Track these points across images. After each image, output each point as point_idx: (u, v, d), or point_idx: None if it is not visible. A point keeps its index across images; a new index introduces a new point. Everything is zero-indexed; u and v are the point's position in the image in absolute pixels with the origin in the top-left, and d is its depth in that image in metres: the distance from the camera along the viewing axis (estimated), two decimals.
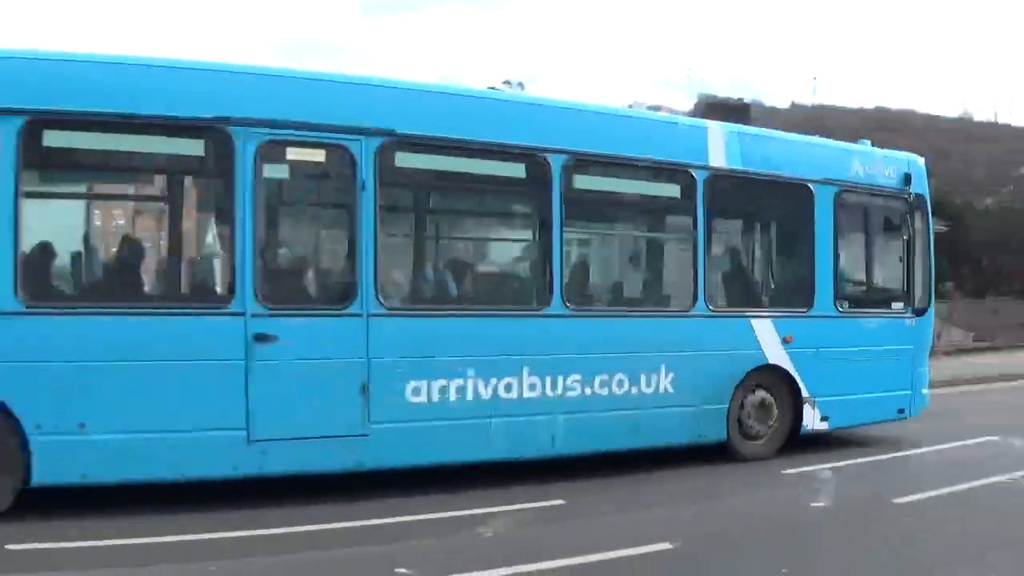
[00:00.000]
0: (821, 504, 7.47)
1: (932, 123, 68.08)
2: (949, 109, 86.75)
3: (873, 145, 10.00)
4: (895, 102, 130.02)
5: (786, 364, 8.90)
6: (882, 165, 9.79)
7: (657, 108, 24.67)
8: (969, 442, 9.96)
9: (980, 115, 46.09)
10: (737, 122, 8.41)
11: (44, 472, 6.29)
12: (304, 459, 6.89)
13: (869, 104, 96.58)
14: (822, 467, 8.69)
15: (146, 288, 6.73)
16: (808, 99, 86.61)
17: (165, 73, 6.41)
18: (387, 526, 6.57)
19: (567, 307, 7.66)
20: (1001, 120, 45.48)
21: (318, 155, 6.79)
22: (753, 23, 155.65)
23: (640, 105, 27.04)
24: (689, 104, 32.34)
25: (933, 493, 7.71)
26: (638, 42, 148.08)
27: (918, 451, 9.70)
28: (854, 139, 10.10)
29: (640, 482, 7.99)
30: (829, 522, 6.97)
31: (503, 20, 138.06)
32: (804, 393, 9.07)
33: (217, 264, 6.76)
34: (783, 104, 77.24)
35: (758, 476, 8.34)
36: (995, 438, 10.19)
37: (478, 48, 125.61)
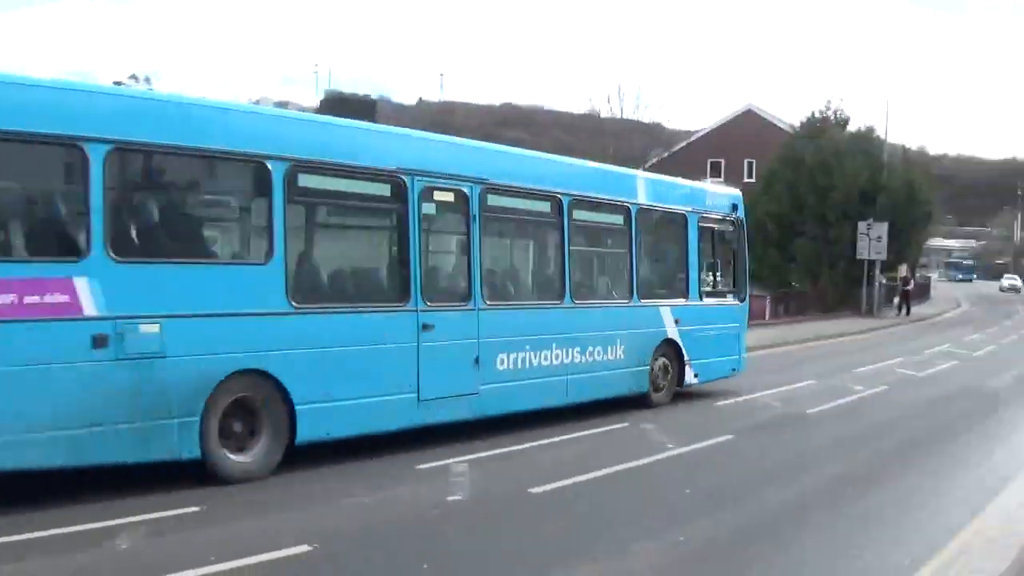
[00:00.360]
0: (458, 497, 7.60)
1: (559, 119, 71.16)
2: (577, 106, 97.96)
3: (521, 145, 13.99)
4: (523, 99, 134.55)
5: (677, 338, 12.90)
6: (720, 199, 14.13)
7: (284, 104, 27.04)
8: (599, 430, 10.73)
9: (606, 111, 50.59)
10: (363, 119, 9.51)
11: (305, 432, 8.44)
12: (448, 412, 9.79)
13: (497, 100, 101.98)
14: (456, 460, 8.90)
15: (362, 292, 9.39)
16: (436, 95, 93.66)
17: (371, 135, 9.25)
18: (7, 546, 6.20)
19: (574, 301, 11.28)
20: (626, 116, 49.49)
21: (449, 196, 9.85)
22: (379, 21, 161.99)
23: (267, 101, 29.18)
24: (315, 101, 32.28)
25: (568, 481, 8.09)
26: (263, 38, 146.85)
27: (559, 439, 10.26)
28: (483, 134, 11.94)
29: (272, 485, 7.95)
30: (466, 515, 7.16)
31: (131, 14, 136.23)
32: (686, 358, 13.08)
33: (400, 274, 9.50)
34: (410, 101, 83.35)
35: (392, 472, 8.48)
36: (625, 424, 11.24)
37: (106, 42, 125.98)
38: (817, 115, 39.73)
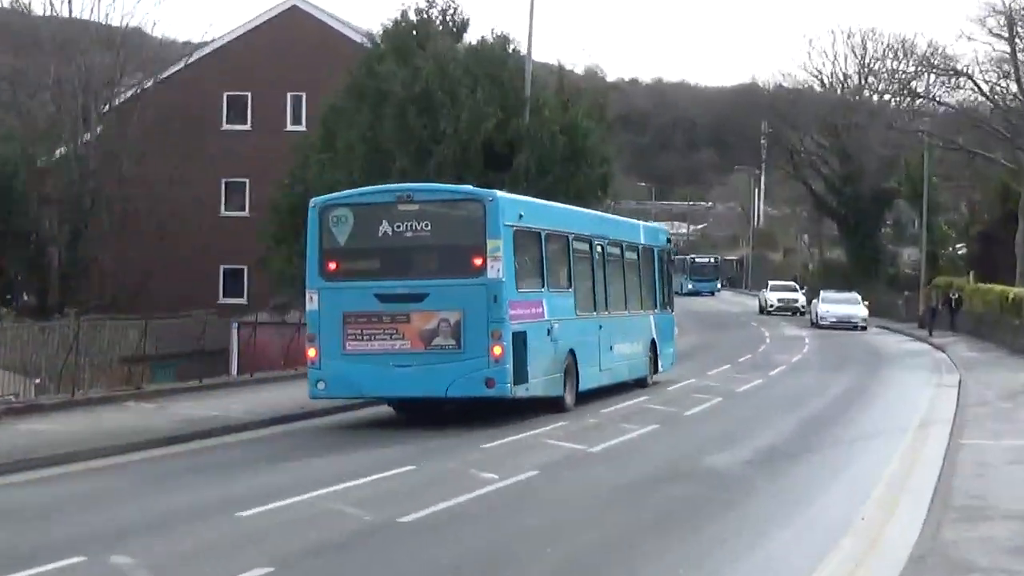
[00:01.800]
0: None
1: None
2: None
3: None
4: None
5: (655, 337, 22.57)
6: (660, 233, 24.60)
7: None
8: None
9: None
10: None
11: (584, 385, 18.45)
12: (613, 377, 20.34)
13: None
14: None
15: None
16: None
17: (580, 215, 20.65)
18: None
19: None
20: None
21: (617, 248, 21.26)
22: None
23: None
24: None
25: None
26: None
27: None
28: None
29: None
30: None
31: None
32: (659, 351, 22.60)
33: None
34: None
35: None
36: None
37: None
38: (412, 16, 28.53)
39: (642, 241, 22.85)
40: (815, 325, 45.03)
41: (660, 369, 22.72)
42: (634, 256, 22.19)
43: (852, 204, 60.67)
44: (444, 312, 15.76)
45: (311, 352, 16.23)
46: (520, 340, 16.32)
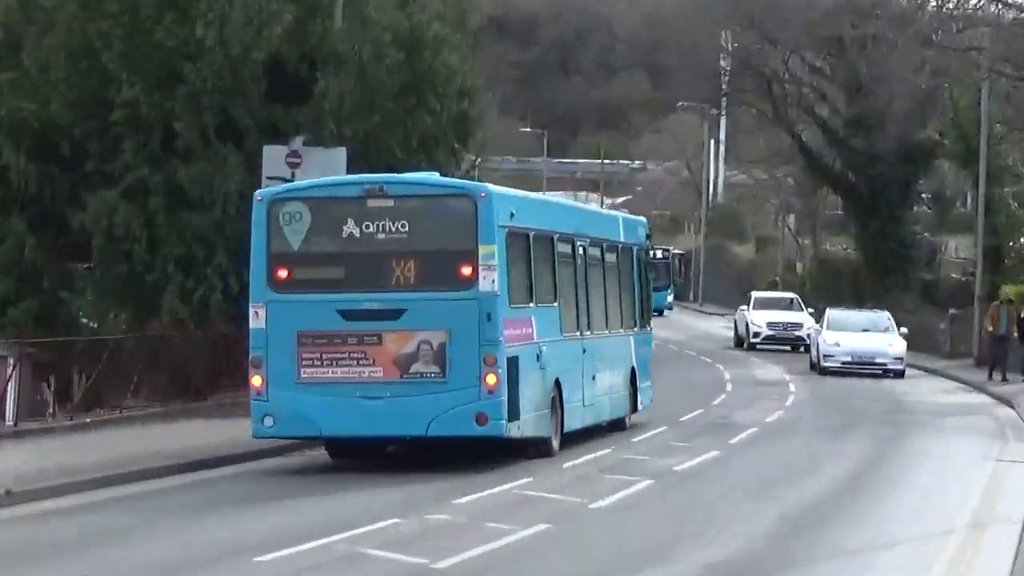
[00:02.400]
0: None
1: None
2: None
3: None
4: None
5: (635, 364, 28.36)
6: (639, 227, 30.22)
7: None
8: None
9: None
10: None
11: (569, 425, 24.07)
12: (595, 415, 26.44)
13: None
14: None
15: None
16: None
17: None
18: None
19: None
20: None
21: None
22: None
23: None
24: None
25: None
26: None
27: None
28: None
29: None
30: None
31: None
32: (638, 384, 28.21)
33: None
34: None
35: None
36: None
37: None
38: None
39: (621, 239, 28.55)
40: (818, 368, 47.15)
41: (640, 406, 28.63)
42: (613, 259, 27.73)
43: (866, 166, 63.33)
44: (425, 332, 20.20)
45: (255, 380, 20.55)
46: (514, 367, 20.89)
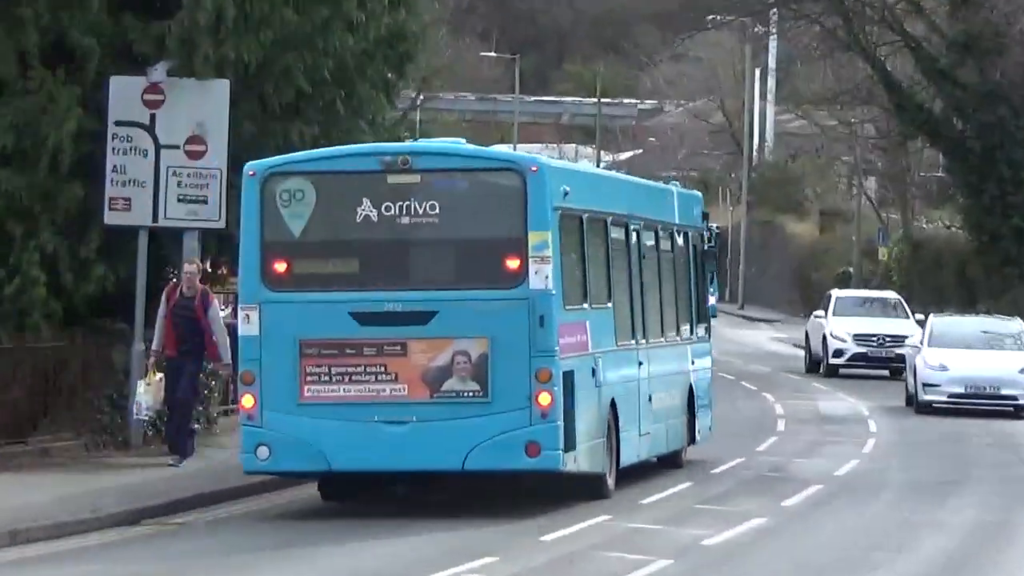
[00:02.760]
0: None
1: None
2: None
3: None
4: None
5: (693, 384, 30.73)
6: (694, 203, 32.56)
7: None
8: None
9: None
10: None
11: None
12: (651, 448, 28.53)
13: None
14: None
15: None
16: None
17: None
18: None
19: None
20: None
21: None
22: None
23: None
24: None
25: None
26: None
27: None
28: None
29: None
30: None
31: None
32: (696, 409, 30.42)
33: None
34: None
35: None
36: None
37: None
38: None
39: (676, 220, 30.43)
40: (916, 402, 45.76)
41: (697, 439, 30.67)
42: (669, 247, 29.67)
43: (978, 109, 63.28)
44: (461, 341, 21.45)
45: (247, 401, 21.78)
46: (569, 384, 22.16)
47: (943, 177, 73.21)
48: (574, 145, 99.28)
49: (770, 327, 74.56)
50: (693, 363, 30.29)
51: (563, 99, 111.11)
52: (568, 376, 21.70)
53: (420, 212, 21.17)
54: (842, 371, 55.25)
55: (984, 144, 62.42)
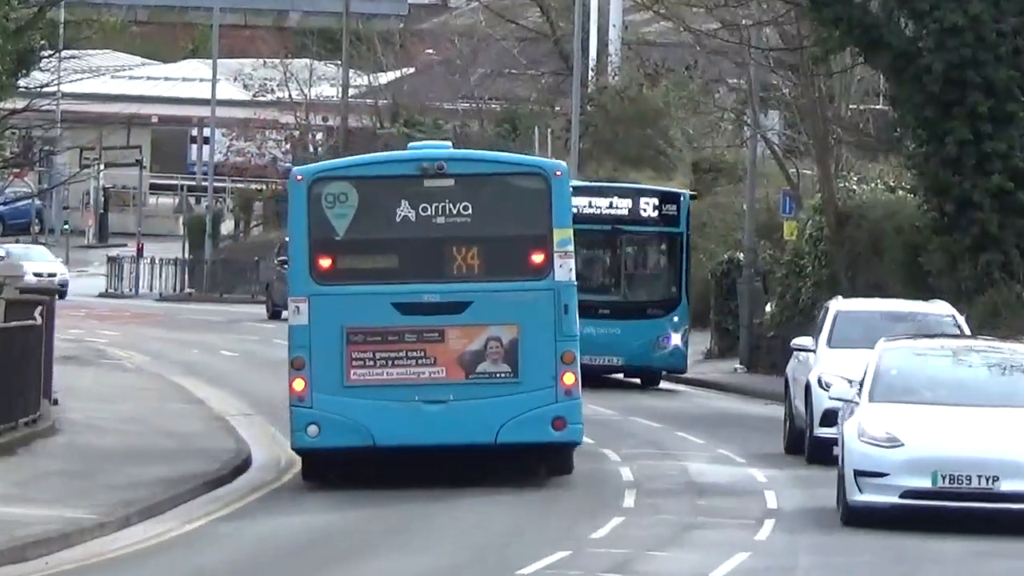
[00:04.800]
0: None
1: None
2: None
3: None
4: None
5: None
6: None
7: None
8: None
9: None
10: None
11: None
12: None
13: None
14: None
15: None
16: None
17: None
18: None
19: None
20: None
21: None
22: None
23: None
24: None
25: None
26: None
27: None
28: None
29: None
30: None
31: None
32: None
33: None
34: None
35: None
36: None
37: None
38: None
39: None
40: (844, 511, 38.91)
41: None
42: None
43: (943, 5, 63.66)
44: (494, 327, 34.24)
45: (298, 384, 33.72)
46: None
47: (885, 112, 73.28)
48: (307, 61, 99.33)
49: None
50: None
51: None
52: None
53: (454, 212, 32.70)
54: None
55: (948, 60, 62.82)
